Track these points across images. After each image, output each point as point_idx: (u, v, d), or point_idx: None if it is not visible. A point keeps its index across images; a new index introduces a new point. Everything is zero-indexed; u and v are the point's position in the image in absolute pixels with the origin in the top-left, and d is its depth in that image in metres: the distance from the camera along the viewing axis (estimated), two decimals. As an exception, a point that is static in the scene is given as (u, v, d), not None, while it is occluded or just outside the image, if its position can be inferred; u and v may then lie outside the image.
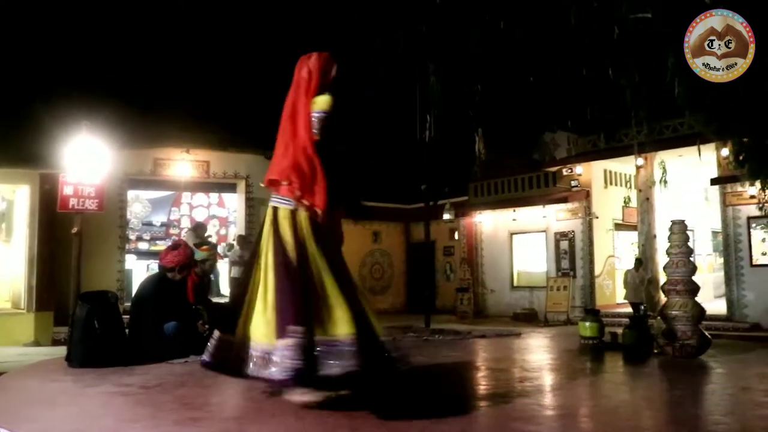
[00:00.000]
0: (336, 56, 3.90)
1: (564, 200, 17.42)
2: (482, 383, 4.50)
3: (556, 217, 17.89)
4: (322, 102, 3.71)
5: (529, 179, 18.16)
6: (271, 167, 3.79)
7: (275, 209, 3.69)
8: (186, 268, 5.82)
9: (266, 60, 16.00)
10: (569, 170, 17.12)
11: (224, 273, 14.30)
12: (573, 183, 16.95)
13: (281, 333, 3.31)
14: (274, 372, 3.27)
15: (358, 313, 3.39)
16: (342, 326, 3.32)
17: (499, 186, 18.89)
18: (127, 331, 5.52)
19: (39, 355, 9.64)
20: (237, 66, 16.40)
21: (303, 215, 3.61)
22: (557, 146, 18.04)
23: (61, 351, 8.68)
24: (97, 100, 12.64)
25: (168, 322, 5.50)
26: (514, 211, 18.68)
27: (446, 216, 19.02)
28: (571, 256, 17.44)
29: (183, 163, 14.93)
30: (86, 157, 9.19)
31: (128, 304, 5.92)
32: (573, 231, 17.46)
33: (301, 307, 3.37)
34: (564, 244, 17.68)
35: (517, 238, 19.25)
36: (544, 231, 18.17)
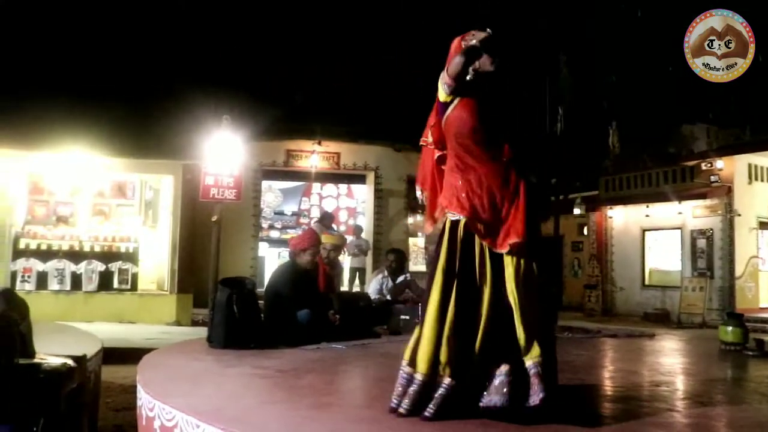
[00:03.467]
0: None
1: (702, 196, 16.52)
2: (614, 385, 4.36)
3: (692, 213, 16.99)
4: None
5: (664, 174, 17.32)
6: None
7: None
8: (312, 252, 5.99)
9: (395, 53, 16.19)
10: (708, 164, 16.20)
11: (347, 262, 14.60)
12: (712, 178, 16.04)
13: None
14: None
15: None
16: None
17: (632, 181, 18.15)
18: (261, 316, 5.77)
19: (180, 334, 10.26)
20: (368, 59, 16.66)
21: None
22: (696, 139, 17.17)
23: (200, 331, 9.23)
24: (234, 94, 13.27)
25: (301, 310, 5.71)
26: (647, 206, 17.92)
27: (576, 211, 18.53)
28: (709, 255, 16.51)
29: (314, 154, 15.37)
30: (225, 148, 9.70)
31: (260, 290, 6.18)
32: (711, 229, 16.52)
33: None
34: (701, 243, 16.76)
35: (649, 235, 18.47)
36: (680, 228, 17.31)
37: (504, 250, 3.11)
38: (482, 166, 3.25)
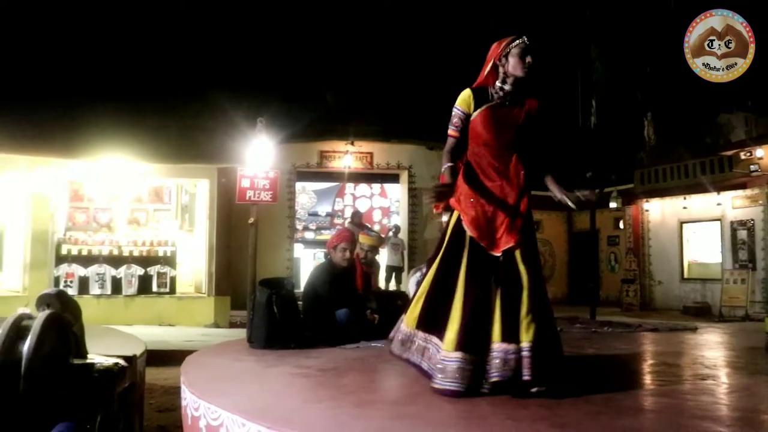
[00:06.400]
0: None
1: (742, 186, 16.20)
2: (660, 378, 4.30)
3: (732, 204, 16.68)
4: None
5: (701, 164, 17.01)
6: None
7: None
8: (344, 247, 5.98)
9: (428, 51, 16.15)
10: (748, 154, 15.86)
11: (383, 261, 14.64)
12: (752, 167, 15.69)
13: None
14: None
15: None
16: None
17: (668, 172, 17.87)
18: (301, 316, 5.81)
19: (219, 336, 10.39)
20: (400, 58, 16.66)
21: None
22: (733, 128, 16.83)
23: (238, 333, 9.33)
24: (267, 97, 13.38)
25: (339, 309, 5.74)
26: (685, 198, 17.65)
27: (612, 204, 18.32)
28: (750, 246, 16.18)
29: (347, 154, 15.42)
30: (260, 151, 9.78)
31: (297, 291, 6.22)
32: (752, 219, 16.19)
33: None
34: (742, 234, 16.44)
35: (687, 227, 18.18)
36: (719, 219, 17.01)
37: (498, 254, 3.52)
38: (490, 179, 3.63)
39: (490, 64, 3.69)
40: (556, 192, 3.74)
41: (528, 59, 3.57)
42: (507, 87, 3.65)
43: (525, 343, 3.35)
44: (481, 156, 3.69)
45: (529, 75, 3.59)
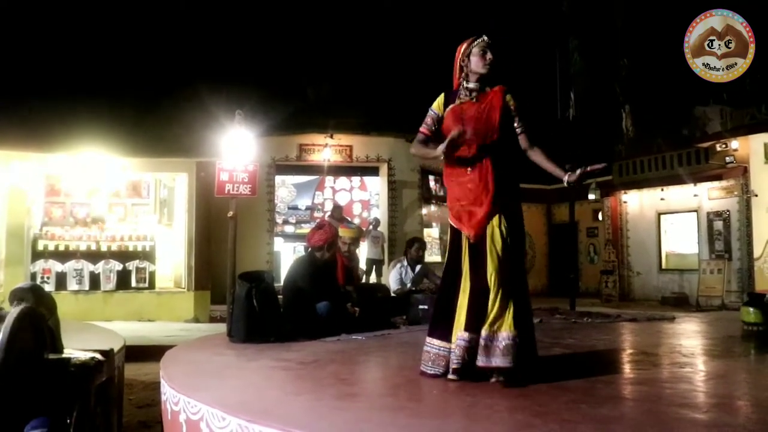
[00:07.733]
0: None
1: (718, 178, 16.36)
2: (639, 367, 4.34)
3: (708, 195, 16.85)
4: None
5: (678, 156, 17.16)
6: None
7: None
8: (333, 247, 6.02)
9: (405, 43, 16.13)
10: (723, 145, 16.01)
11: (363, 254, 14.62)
12: (728, 159, 15.86)
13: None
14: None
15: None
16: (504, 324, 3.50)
17: (646, 164, 18.01)
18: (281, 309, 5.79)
19: (199, 330, 10.32)
20: (379, 51, 16.62)
21: None
22: (709, 120, 16.98)
23: (218, 327, 9.27)
24: (246, 90, 13.27)
25: (320, 302, 5.73)
26: (662, 190, 17.81)
27: (591, 196, 18.43)
28: (726, 237, 16.37)
29: (327, 148, 15.38)
30: (238, 144, 9.70)
31: (277, 285, 6.19)
32: (728, 210, 16.37)
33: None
34: (718, 225, 16.63)
35: (665, 219, 18.35)
36: (695, 210, 17.18)
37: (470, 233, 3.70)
38: (461, 174, 3.78)
39: (457, 66, 3.92)
40: (556, 173, 3.93)
41: (488, 56, 3.80)
42: (471, 85, 3.85)
43: (502, 332, 3.49)
44: (453, 152, 3.81)
45: (490, 71, 3.82)
